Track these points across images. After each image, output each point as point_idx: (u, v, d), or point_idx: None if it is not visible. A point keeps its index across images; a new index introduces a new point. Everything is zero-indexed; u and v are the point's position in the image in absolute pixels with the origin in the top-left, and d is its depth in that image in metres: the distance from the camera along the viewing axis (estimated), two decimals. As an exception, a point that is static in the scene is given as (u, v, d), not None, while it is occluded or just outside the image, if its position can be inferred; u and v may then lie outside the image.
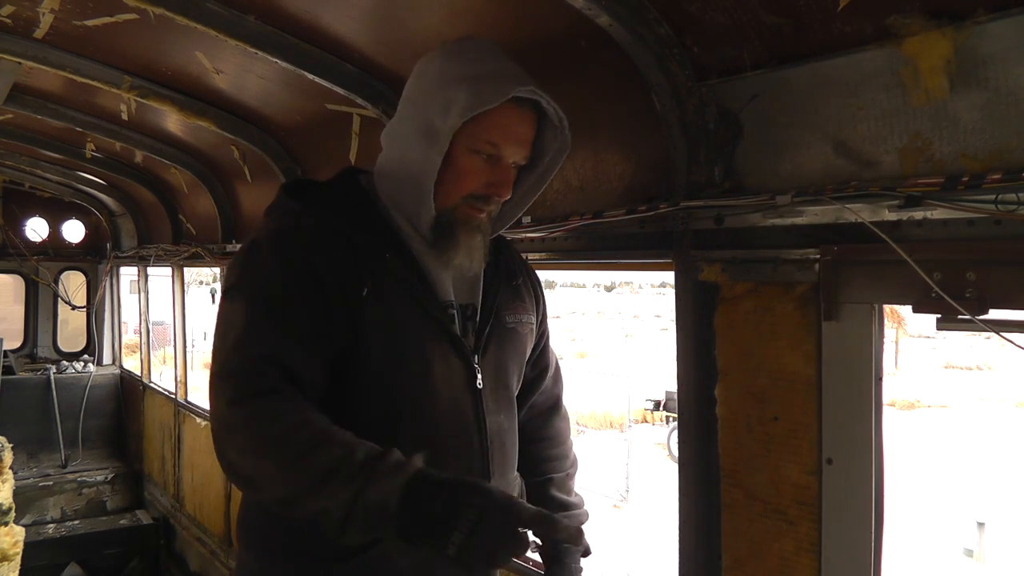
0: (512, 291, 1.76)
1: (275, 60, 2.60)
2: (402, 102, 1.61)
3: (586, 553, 1.97)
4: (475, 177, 1.53)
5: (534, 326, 1.82)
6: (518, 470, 1.93)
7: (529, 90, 1.49)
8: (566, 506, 1.98)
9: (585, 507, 2.03)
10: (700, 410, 1.85)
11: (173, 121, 4.03)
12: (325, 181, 1.70)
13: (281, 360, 1.35)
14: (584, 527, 1.99)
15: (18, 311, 7.23)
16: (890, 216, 1.46)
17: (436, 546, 1.15)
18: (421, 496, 1.18)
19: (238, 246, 4.51)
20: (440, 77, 1.52)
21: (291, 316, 1.40)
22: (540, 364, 1.94)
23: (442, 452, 1.50)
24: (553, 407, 2.01)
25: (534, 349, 1.86)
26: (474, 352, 1.60)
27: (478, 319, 1.65)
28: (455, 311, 1.60)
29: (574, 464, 2.04)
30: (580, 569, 1.95)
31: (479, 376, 1.59)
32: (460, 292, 1.64)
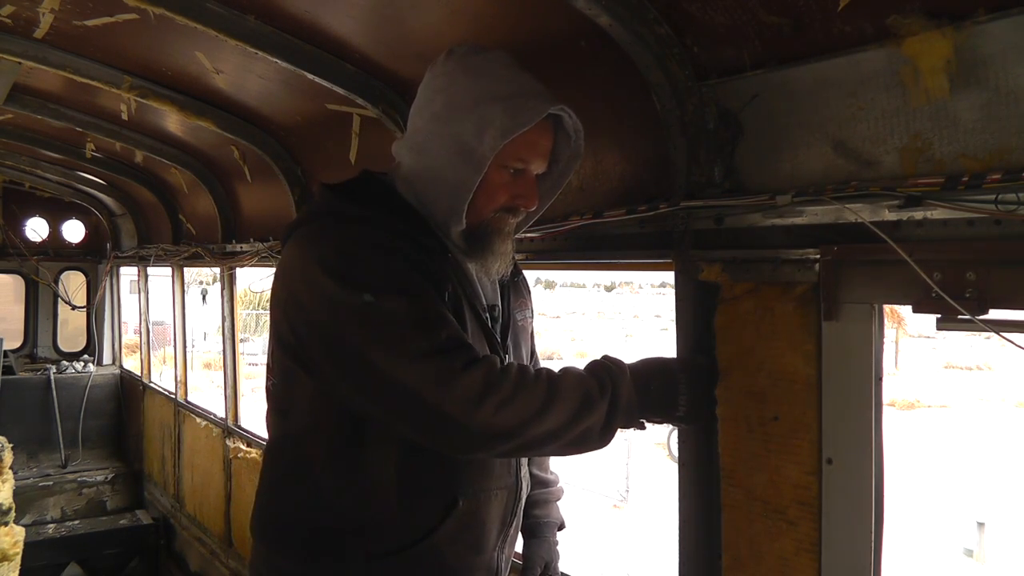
0: (515, 288, 1.87)
1: (275, 60, 2.60)
2: (429, 117, 1.60)
3: (561, 527, 2.11)
4: (505, 191, 1.60)
5: (533, 321, 1.98)
6: None
7: (560, 108, 1.59)
8: (545, 483, 2.09)
9: (560, 483, 2.15)
10: (700, 410, 1.86)
11: (173, 121, 4.03)
12: (352, 182, 1.69)
13: (461, 336, 1.47)
14: (559, 503, 2.13)
15: (18, 311, 7.24)
16: (890, 216, 1.46)
17: (668, 414, 1.55)
18: (643, 383, 1.51)
19: (239, 246, 4.51)
20: (472, 96, 1.54)
21: (437, 302, 1.49)
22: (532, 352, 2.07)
23: None
24: None
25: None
26: (505, 352, 1.71)
27: (501, 319, 1.76)
28: (488, 314, 1.70)
29: None
30: (556, 542, 2.07)
31: None
32: (489, 294, 1.74)
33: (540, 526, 2.06)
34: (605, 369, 1.50)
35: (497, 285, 1.79)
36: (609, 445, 1.50)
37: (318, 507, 1.60)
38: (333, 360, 1.44)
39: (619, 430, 1.49)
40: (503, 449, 1.42)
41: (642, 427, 1.54)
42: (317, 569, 1.60)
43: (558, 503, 2.14)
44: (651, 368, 1.54)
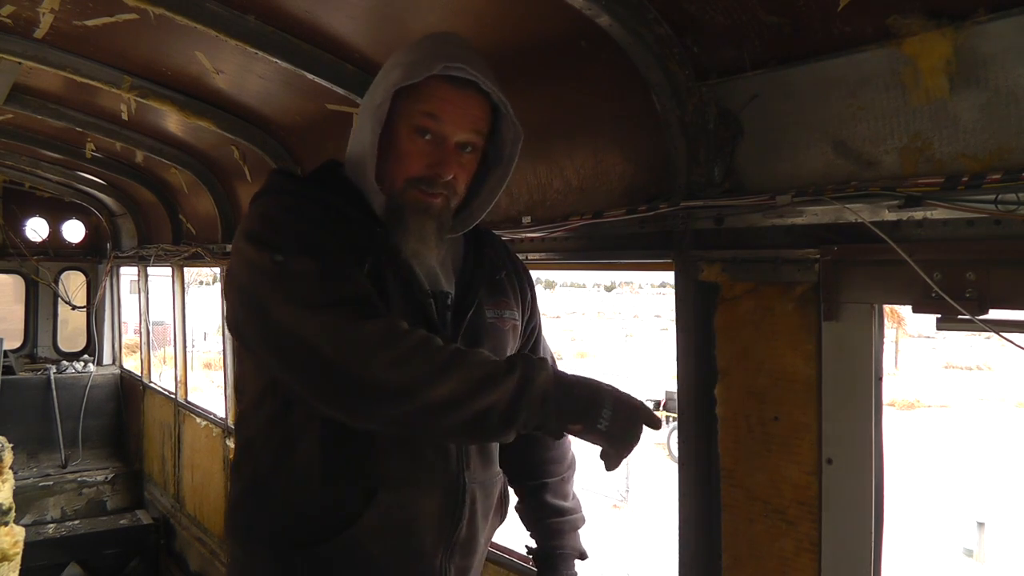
0: (494, 286, 1.74)
1: (275, 60, 2.60)
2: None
3: (582, 557, 1.97)
4: (417, 159, 1.52)
5: (518, 323, 1.79)
6: (513, 474, 1.92)
7: (459, 67, 1.48)
8: (560, 511, 1.97)
9: (582, 511, 2.03)
10: (700, 410, 1.85)
11: (173, 121, 4.03)
12: (315, 171, 1.71)
13: (368, 293, 1.41)
14: (580, 531, 1.99)
15: (18, 311, 7.23)
16: (890, 216, 1.46)
17: (588, 421, 1.33)
18: (566, 383, 1.34)
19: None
20: (388, 64, 1.57)
21: (348, 264, 1.44)
22: None
23: (416, 440, 1.54)
24: None
25: (523, 346, 1.86)
26: (453, 341, 1.55)
27: (456, 310, 1.63)
28: (431, 300, 1.59)
29: (572, 466, 2.03)
30: (573, 574, 1.96)
31: None
32: (434, 281, 1.62)
33: (553, 557, 1.94)
34: (522, 357, 1.37)
35: (451, 274, 1.67)
36: (512, 435, 1.33)
37: (257, 492, 1.59)
38: (250, 321, 1.43)
39: (530, 426, 1.32)
40: (396, 413, 1.31)
41: (558, 433, 1.35)
42: (255, 556, 1.59)
43: (578, 532, 2.00)
44: (580, 377, 1.38)
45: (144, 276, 6.91)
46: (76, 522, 6.35)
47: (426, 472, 1.56)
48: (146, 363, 6.88)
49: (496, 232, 1.98)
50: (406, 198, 1.53)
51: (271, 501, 1.56)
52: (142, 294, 7.02)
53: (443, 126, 1.51)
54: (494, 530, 1.82)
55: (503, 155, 1.65)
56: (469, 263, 1.70)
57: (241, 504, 1.63)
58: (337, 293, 1.36)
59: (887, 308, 1.57)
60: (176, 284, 6.07)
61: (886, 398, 1.56)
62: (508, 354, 1.73)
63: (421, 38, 1.60)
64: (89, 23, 2.81)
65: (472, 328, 1.63)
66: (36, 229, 7.07)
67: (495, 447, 1.74)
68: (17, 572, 4.67)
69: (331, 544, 1.50)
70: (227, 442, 4.97)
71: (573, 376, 1.38)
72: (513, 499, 1.97)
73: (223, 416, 5.13)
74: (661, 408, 20.48)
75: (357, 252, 1.47)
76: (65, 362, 7.11)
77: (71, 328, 7.47)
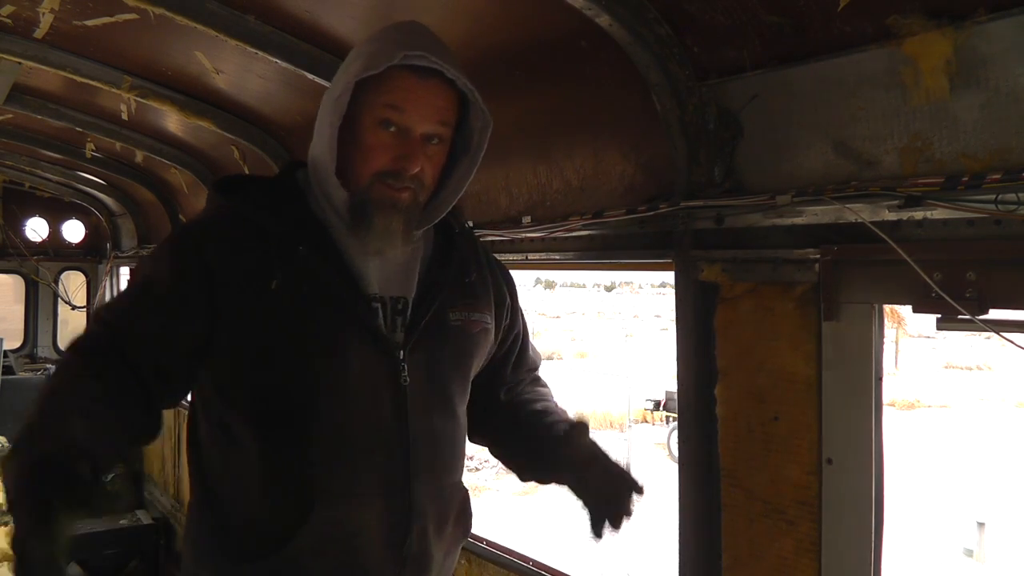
0: (462, 288, 1.63)
1: (275, 60, 2.60)
2: None
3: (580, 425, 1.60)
4: (382, 152, 1.46)
5: (490, 326, 1.67)
6: (519, 458, 1.75)
7: (420, 55, 1.44)
8: (543, 419, 1.70)
9: (550, 395, 1.81)
10: (700, 410, 1.85)
11: (173, 121, 4.03)
12: (265, 176, 1.68)
13: (126, 338, 1.41)
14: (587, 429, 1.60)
15: (18, 311, 7.23)
16: (890, 216, 1.46)
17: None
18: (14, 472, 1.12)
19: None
20: (350, 56, 1.54)
21: (157, 308, 1.44)
22: (518, 365, 1.80)
23: (354, 451, 1.46)
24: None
25: (501, 350, 1.76)
26: (401, 347, 1.50)
27: (414, 312, 1.54)
28: (379, 304, 1.52)
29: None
30: (589, 441, 1.56)
31: (404, 373, 1.49)
32: (389, 284, 1.54)
33: (551, 440, 1.60)
34: (38, 428, 1.26)
35: (412, 276, 1.58)
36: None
37: (205, 504, 1.56)
38: None
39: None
40: None
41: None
42: (200, 569, 1.56)
43: (559, 412, 1.72)
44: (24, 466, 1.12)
45: (144, 276, 6.90)
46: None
47: (366, 484, 1.46)
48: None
49: (495, 232, 1.97)
50: (372, 194, 1.47)
51: (216, 514, 1.52)
52: (142, 294, 7.01)
53: (407, 117, 1.45)
54: (457, 545, 1.68)
55: (471, 145, 1.59)
56: (436, 263, 1.61)
57: (192, 516, 1.60)
58: (105, 318, 1.45)
59: (887, 308, 1.57)
60: (176, 284, 6.06)
61: (886, 398, 1.56)
62: (477, 358, 1.66)
63: (383, 27, 1.56)
64: (89, 23, 2.81)
65: (429, 331, 1.54)
66: (36, 229, 7.07)
67: (453, 459, 1.61)
68: (17, 572, 4.67)
69: (269, 560, 1.43)
70: (227, 442, 4.97)
71: (24, 463, 1.11)
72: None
73: (223, 416, 5.12)
74: (661, 408, 20.47)
75: (261, 273, 1.43)
76: (65, 362, 7.10)
77: (71, 328, 7.46)
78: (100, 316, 1.47)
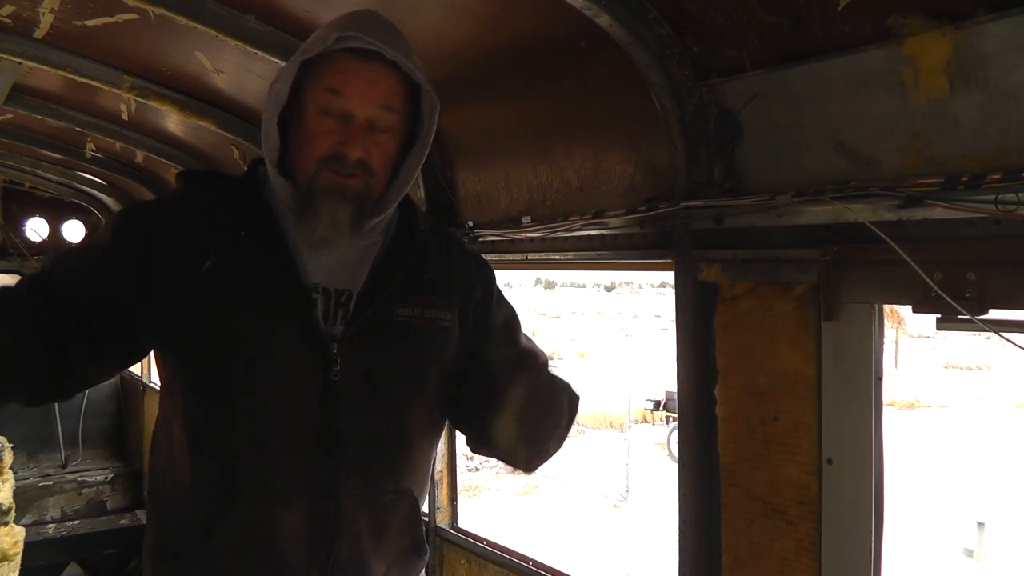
0: (417, 284, 1.54)
1: (275, 60, 2.60)
2: None
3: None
4: (323, 138, 1.42)
5: (450, 325, 1.56)
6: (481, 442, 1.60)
7: (354, 36, 1.39)
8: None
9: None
10: (700, 410, 1.85)
11: (173, 121, 4.04)
12: (233, 174, 1.69)
13: (52, 278, 1.41)
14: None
15: (18, 311, 7.23)
16: (890, 216, 1.46)
17: None
18: None
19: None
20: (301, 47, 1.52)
21: (90, 259, 1.45)
22: (503, 356, 1.59)
23: (275, 447, 1.40)
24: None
25: (478, 347, 1.61)
26: (334, 341, 1.43)
27: (357, 306, 1.47)
28: (319, 296, 1.46)
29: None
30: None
31: (336, 367, 1.42)
32: (337, 277, 1.48)
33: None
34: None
35: (363, 270, 1.51)
36: None
37: (151, 499, 1.57)
38: None
39: None
40: None
41: None
42: (145, 565, 1.55)
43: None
44: None
45: (144, 276, 6.90)
46: (76, 522, 6.36)
47: (285, 482, 1.40)
48: (146, 363, 6.87)
49: (495, 232, 1.96)
50: (318, 181, 1.43)
51: (156, 512, 1.53)
52: (142, 294, 7.01)
53: (346, 102, 1.41)
54: (408, 561, 1.58)
55: (422, 130, 1.53)
56: (390, 257, 1.54)
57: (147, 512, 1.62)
58: (45, 266, 1.46)
59: (887, 308, 1.57)
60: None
61: (886, 398, 1.56)
62: (435, 358, 1.55)
63: (341, 15, 1.52)
64: (89, 23, 2.81)
65: (373, 325, 1.46)
66: (36, 229, 7.06)
67: (397, 464, 1.52)
68: (17, 572, 4.67)
69: (190, 558, 1.41)
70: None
71: None
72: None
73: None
74: (661, 408, 20.48)
75: (196, 253, 1.42)
76: (65, 362, 7.10)
77: (71, 328, 7.47)
78: (41, 265, 1.49)
